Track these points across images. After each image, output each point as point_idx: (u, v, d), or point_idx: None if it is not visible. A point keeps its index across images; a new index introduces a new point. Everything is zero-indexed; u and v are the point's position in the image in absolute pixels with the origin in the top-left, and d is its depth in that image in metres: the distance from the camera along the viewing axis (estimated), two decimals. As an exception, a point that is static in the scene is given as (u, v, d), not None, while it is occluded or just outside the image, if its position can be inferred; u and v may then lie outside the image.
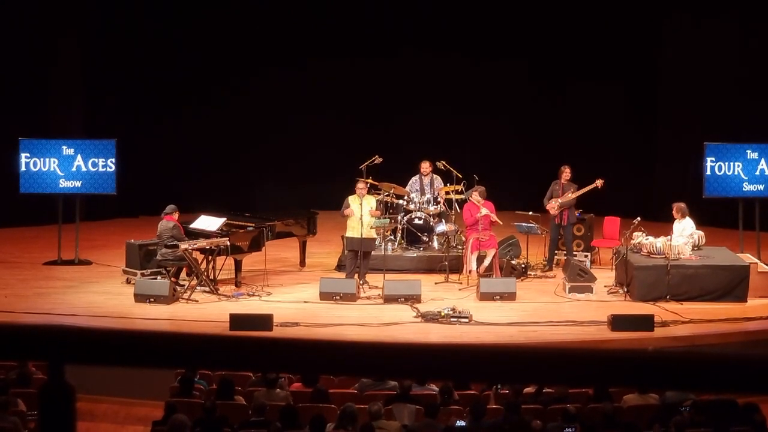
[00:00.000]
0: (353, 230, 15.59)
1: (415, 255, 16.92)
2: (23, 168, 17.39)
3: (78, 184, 17.48)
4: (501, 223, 16.16)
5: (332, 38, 22.07)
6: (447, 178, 17.37)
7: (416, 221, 17.07)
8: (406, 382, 10.21)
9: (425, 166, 17.33)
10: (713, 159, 17.10)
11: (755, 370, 2.06)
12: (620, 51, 21.66)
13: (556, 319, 13.99)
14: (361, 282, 15.51)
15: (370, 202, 15.84)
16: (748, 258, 15.80)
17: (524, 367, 2.12)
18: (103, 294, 15.33)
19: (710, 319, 14.03)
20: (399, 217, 17.11)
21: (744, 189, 17.11)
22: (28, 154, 17.39)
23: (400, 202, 17.21)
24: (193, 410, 9.67)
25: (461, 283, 15.92)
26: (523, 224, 16.70)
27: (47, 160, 17.40)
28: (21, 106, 20.41)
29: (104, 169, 17.47)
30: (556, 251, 17.04)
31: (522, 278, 16.16)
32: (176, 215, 15.36)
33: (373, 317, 14.12)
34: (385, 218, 16.67)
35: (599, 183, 16.64)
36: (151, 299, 14.55)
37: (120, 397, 12.33)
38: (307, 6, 22.25)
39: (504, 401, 10.10)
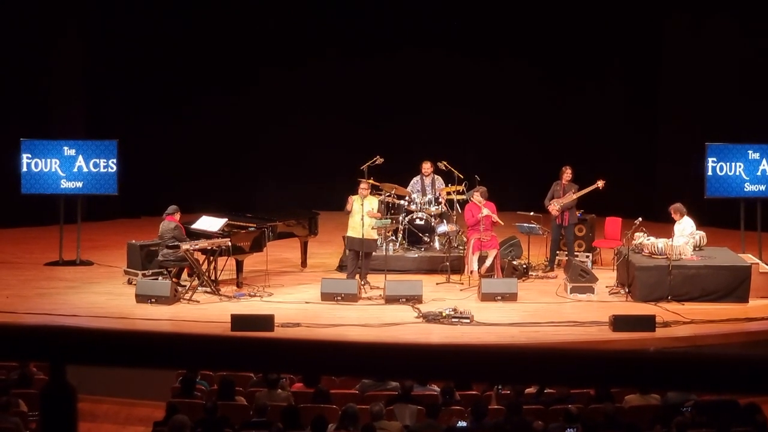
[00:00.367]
0: (354, 230, 15.59)
1: (416, 255, 16.92)
2: (25, 168, 17.39)
3: (79, 184, 17.48)
4: (503, 223, 16.16)
5: (334, 38, 22.07)
6: (448, 179, 17.36)
7: (418, 222, 17.07)
8: (407, 383, 10.20)
9: (426, 166, 17.33)
10: (715, 159, 17.09)
11: (757, 370, 2.06)
12: (622, 51, 21.67)
13: (558, 319, 13.99)
14: (362, 282, 15.50)
15: (372, 203, 15.83)
16: (749, 258, 15.78)
17: (525, 368, 2.12)
18: (104, 294, 15.33)
19: (712, 319, 14.02)
20: (400, 218, 17.11)
21: (745, 189, 17.10)
22: (29, 155, 17.39)
23: (402, 202, 17.21)
24: (194, 411, 9.67)
25: (462, 284, 15.91)
26: (525, 225, 16.70)
27: (49, 160, 17.40)
28: (22, 107, 20.43)
29: (106, 170, 17.48)
30: (557, 252, 17.04)
31: (523, 279, 16.16)
32: (178, 216, 15.36)
33: (374, 318, 14.12)
34: (386, 219, 16.67)
35: (600, 184, 16.64)
36: (153, 300, 14.55)
37: (121, 398, 12.33)
38: (309, 5, 22.25)
39: (505, 402, 10.09)
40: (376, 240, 16.14)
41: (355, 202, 15.64)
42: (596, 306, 14.74)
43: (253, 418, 9.64)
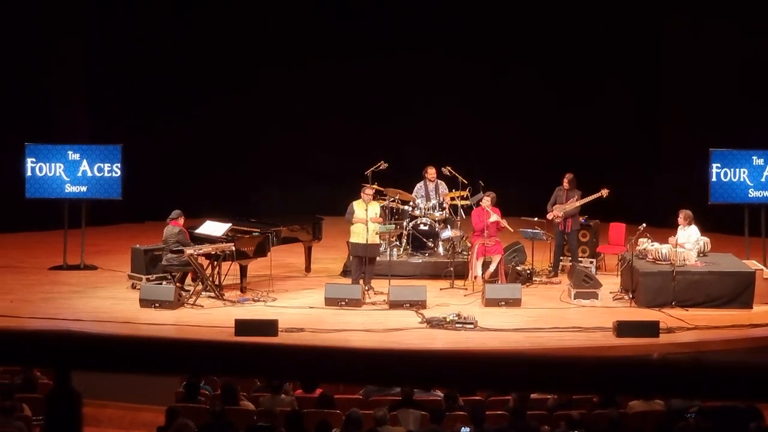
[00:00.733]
0: (358, 236, 15.59)
1: (420, 261, 16.92)
2: (29, 173, 17.42)
3: (84, 189, 17.51)
4: (512, 230, 16.16)
5: (338, 41, 22.08)
6: (453, 184, 17.37)
7: (422, 227, 17.07)
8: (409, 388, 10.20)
9: (430, 171, 17.33)
10: (719, 165, 17.07)
11: (761, 376, 2.06)
12: (626, 58, 21.65)
13: (562, 325, 13.98)
14: (366, 287, 15.50)
15: (375, 208, 15.84)
16: (753, 264, 15.77)
17: (529, 375, 2.13)
18: (108, 299, 15.34)
19: (716, 325, 14.01)
20: (404, 223, 17.11)
21: (750, 195, 17.08)
22: (33, 159, 17.42)
23: (406, 207, 17.21)
24: (198, 415, 9.67)
25: (466, 289, 15.91)
26: (529, 230, 16.69)
27: (53, 165, 17.43)
28: (27, 111, 20.45)
29: (110, 174, 17.50)
30: (561, 257, 17.04)
31: (527, 284, 16.15)
32: (182, 220, 15.38)
33: (378, 323, 14.11)
34: (390, 224, 16.68)
35: (604, 192, 16.64)
36: (157, 304, 14.56)
37: (125, 402, 12.33)
38: (313, 8, 22.25)
39: (509, 407, 10.09)
40: (379, 245, 16.15)
41: (358, 208, 15.62)
42: (600, 312, 14.72)
43: (259, 422, 9.64)
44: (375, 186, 16.75)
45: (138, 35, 21.47)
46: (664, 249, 15.34)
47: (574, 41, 21.74)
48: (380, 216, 15.96)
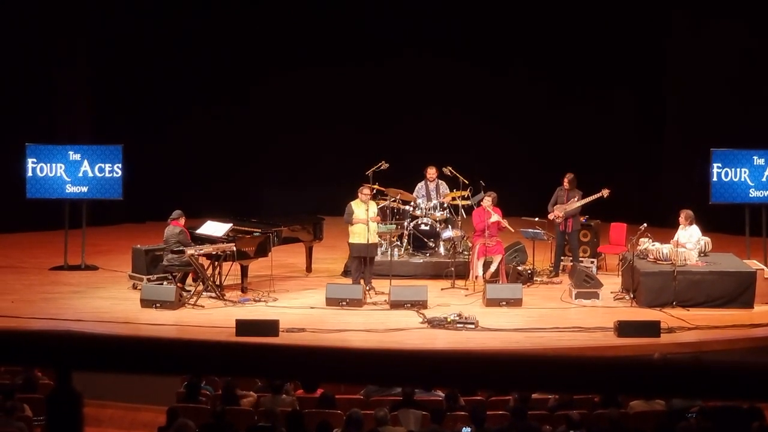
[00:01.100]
0: (359, 236, 15.57)
1: (421, 261, 16.92)
2: (30, 173, 17.42)
3: (84, 189, 17.51)
4: (513, 230, 16.17)
5: (338, 43, 22.09)
6: (453, 184, 17.37)
7: (423, 227, 17.07)
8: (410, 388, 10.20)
9: (431, 171, 17.33)
10: (719, 165, 17.07)
11: (761, 376, 2.06)
12: (627, 58, 21.64)
13: (563, 325, 13.98)
14: (367, 288, 15.50)
15: (373, 207, 15.83)
16: (754, 264, 15.77)
17: (530, 375, 2.13)
18: (109, 299, 15.35)
19: (717, 325, 14.01)
20: (405, 223, 17.11)
21: (750, 195, 17.08)
22: (34, 160, 17.42)
23: (407, 207, 17.21)
24: (199, 416, 9.67)
25: (467, 289, 15.91)
26: (529, 230, 16.70)
27: (54, 165, 17.43)
28: (28, 112, 20.46)
29: (111, 175, 17.50)
30: (562, 257, 17.04)
31: (528, 284, 16.15)
32: (183, 220, 15.38)
33: (379, 323, 14.11)
34: (391, 224, 16.68)
35: (605, 193, 16.64)
36: (158, 305, 14.56)
37: (126, 402, 12.33)
38: (314, 11, 22.26)
39: (510, 407, 10.09)
40: (377, 245, 16.16)
41: (357, 208, 15.60)
42: (601, 311, 14.72)
43: (260, 423, 9.64)
44: (376, 186, 16.76)
45: (138, 35, 21.47)
46: (665, 249, 15.33)
47: (576, 42, 21.72)
48: (378, 215, 15.98)
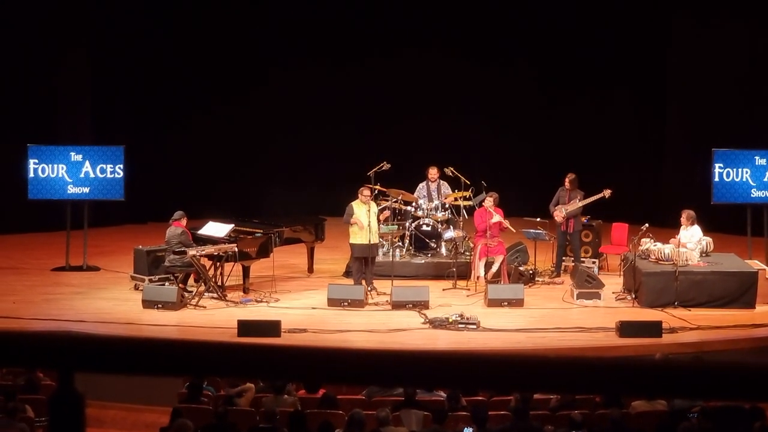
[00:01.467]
0: (360, 237, 15.55)
1: (423, 261, 16.92)
2: (32, 174, 17.43)
3: (86, 190, 17.52)
4: (514, 230, 16.16)
5: (338, 43, 22.09)
6: (455, 185, 17.37)
7: (424, 227, 17.07)
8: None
9: (433, 172, 17.33)
10: (721, 165, 17.07)
11: (763, 376, 2.06)
12: (628, 58, 21.64)
13: (564, 325, 13.98)
14: (369, 288, 15.50)
15: (374, 208, 15.82)
16: (756, 264, 15.77)
17: (532, 375, 2.13)
18: (111, 300, 15.35)
19: (718, 325, 14.00)
20: (407, 224, 17.11)
21: (752, 195, 17.08)
22: (36, 160, 17.43)
23: (409, 208, 17.21)
24: (201, 416, 9.68)
25: (469, 290, 15.91)
26: (531, 230, 16.70)
27: (55, 166, 17.44)
28: (29, 113, 20.47)
29: (112, 176, 17.51)
30: (564, 257, 17.03)
31: (530, 284, 16.14)
32: (184, 221, 15.39)
33: (381, 323, 14.11)
34: (393, 224, 16.68)
35: (607, 193, 16.63)
36: (159, 305, 14.57)
37: (128, 403, 12.33)
38: (314, 11, 22.26)
39: (512, 407, 10.09)
40: (379, 245, 16.17)
41: (358, 209, 15.58)
42: (603, 312, 14.72)
43: (261, 423, 9.64)
44: (377, 187, 16.76)
45: (140, 37, 21.48)
46: (667, 249, 15.33)
47: (577, 42, 21.73)
48: (387, 212, 16.03)
